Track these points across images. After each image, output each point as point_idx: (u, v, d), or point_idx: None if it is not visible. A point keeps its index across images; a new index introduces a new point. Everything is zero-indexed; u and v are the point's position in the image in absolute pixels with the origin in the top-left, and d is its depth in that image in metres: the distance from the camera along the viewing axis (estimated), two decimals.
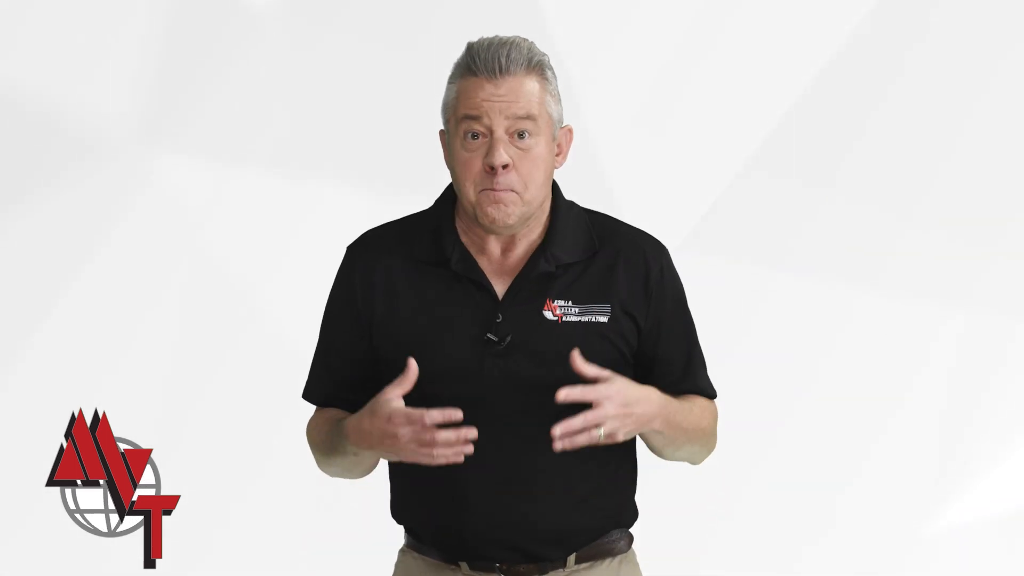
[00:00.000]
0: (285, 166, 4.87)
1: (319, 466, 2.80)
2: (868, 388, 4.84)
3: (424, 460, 2.53)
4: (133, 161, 4.84)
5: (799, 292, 4.85)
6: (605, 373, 2.55)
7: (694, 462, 2.81)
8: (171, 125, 4.86)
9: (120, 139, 4.85)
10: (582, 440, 2.52)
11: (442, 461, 2.52)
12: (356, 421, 2.61)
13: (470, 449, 2.51)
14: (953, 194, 4.85)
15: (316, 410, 2.81)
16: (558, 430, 2.50)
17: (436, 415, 2.50)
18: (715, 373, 2.80)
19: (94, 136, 4.84)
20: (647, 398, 2.58)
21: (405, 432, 2.52)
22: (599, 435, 2.52)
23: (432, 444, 2.51)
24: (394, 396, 2.54)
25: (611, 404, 2.53)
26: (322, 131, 4.86)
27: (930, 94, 4.84)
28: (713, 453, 2.82)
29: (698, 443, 2.75)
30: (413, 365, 2.55)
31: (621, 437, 2.56)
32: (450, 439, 2.50)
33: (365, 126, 4.83)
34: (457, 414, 2.51)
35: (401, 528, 2.81)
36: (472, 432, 2.50)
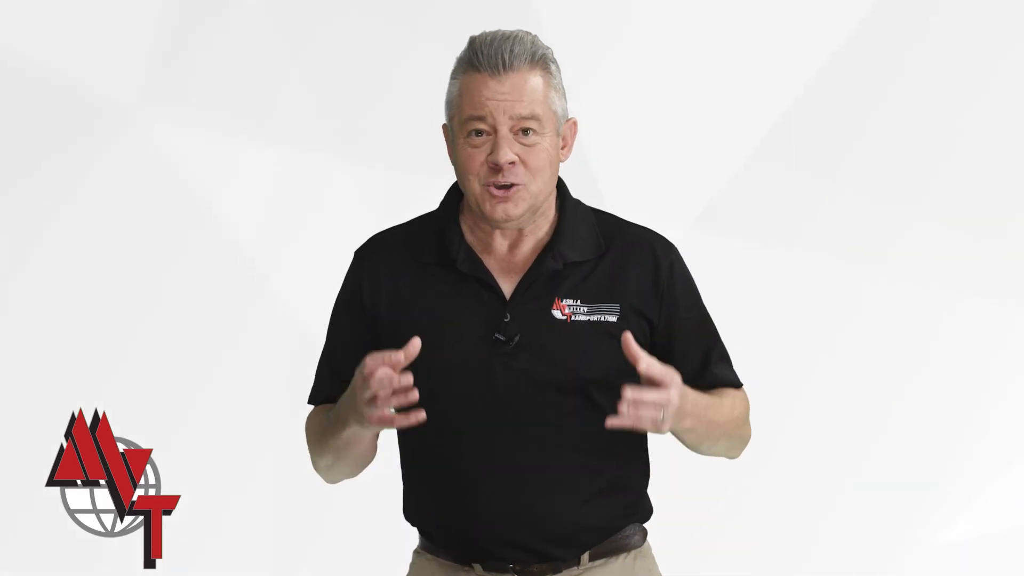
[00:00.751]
0: (296, 143, 4.87)
1: (313, 464, 2.79)
2: (875, 382, 4.84)
3: (371, 412, 2.50)
4: (138, 145, 4.83)
5: (801, 286, 4.85)
6: (656, 362, 2.52)
7: (731, 456, 2.80)
8: (177, 100, 4.85)
9: (124, 118, 4.84)
10: (648, 413, 2.49)
11: (383, 412, 2.48)
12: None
13: (418, 414, 2.48)
14: (961, 186, 4.85)
15: (315, 408, 2.81)
16: (629, 393, 2.47)
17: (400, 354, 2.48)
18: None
19: (95, 115, 4.84)
20: (685, 394, 2.56)
21: (370, 366, 2.49)
22: (661, 417, 2.50)
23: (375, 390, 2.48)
24: (384, 354, 2.51)
25: (675, 390, 2.51)
26: (337, 104, 4.85)
27: (935, 84, 4.84)
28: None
29: (734, 436, 2.73)
30: (416, 342, 2.50)
31: (666, 429, 2.55)
32: (383, 380, 2.46)
33: (382, 100, 4.82)
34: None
35: (415, 529, 2.80)
36: (407, 378, 2.46)
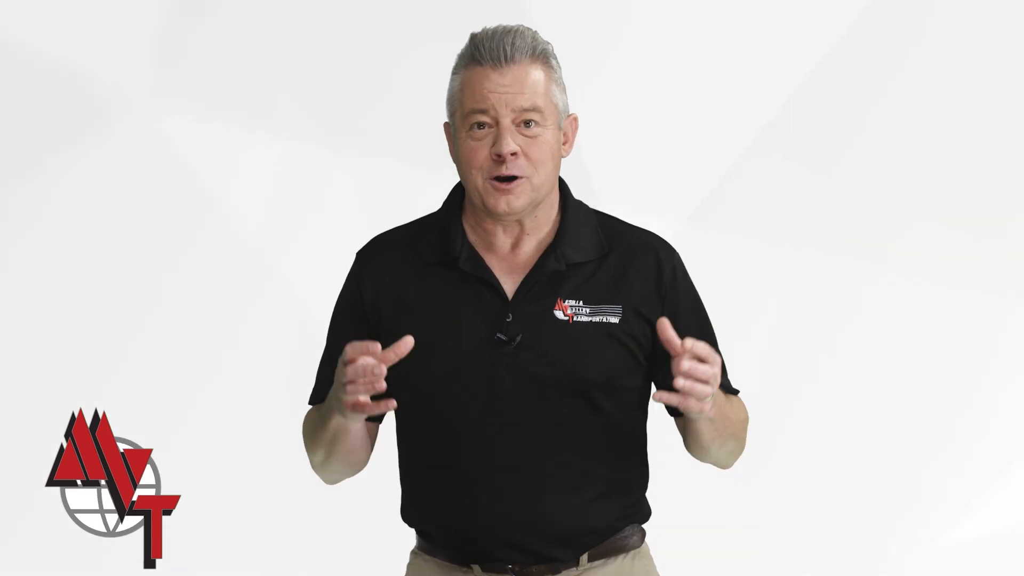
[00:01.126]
0: (302, 137, 4.86)
1: (310, 463, 2.78)
2: (874, 380, 4.83)
3: (347, 397, 2.51)
4: (138, 144, 4.82)
5: (798, 282, 4.84)
6: (699, 341, 2.50)
7: (728, 463, 2.78)
8: (183, 93, 4.85)
9: (126, 111, 4.84)
10: (702, 388, 2.47)
11: (356, 398, 2.49)
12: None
13: (388, 402, 2.50)
14: (960, 183, 4.84)
15: (311, 408, 2.80)
16: (686, 365, 2.45)
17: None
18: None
19: (96, 114, 4.83)
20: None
21: (351, 354, 2.50)
22: (710, 392, 2.49)
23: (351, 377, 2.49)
24: (369, 344, 2.52)
25: (718, 369, 2.50)
26: (345, 95, 4.84)
27: (934, 79, 4.83)
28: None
29: (739, 438, 2.73)
30: (408, 341, 2.52)
31: (709, 407, 2.52)
32: (360, 368, 2.47)
33: (389, 92, 4.81)
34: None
35: (412, 530, 2.80)
36: (381, 368, 2.47)
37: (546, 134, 2.62)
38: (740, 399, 2.77)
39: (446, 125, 2.70)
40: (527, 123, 2.61)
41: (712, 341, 2.75)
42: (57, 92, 4.81)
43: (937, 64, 4.82)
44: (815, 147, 4.84)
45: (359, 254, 2.77)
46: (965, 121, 4.82)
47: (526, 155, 2.61)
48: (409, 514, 2.77)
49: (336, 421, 2.60)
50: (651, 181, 4.82)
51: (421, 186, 4.57)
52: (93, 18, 4.80)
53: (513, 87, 2.59)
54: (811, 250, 4.84)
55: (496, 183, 2.61)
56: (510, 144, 2.59)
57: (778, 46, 4.82)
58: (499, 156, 2.59)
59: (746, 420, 2.76)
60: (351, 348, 2.50)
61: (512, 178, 2.61)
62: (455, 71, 2.65)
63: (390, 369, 2.68)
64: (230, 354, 4.80)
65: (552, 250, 2.67)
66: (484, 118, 2.61)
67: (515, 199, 2.61)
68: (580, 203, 2.74)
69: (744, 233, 4.83)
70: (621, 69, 4.81)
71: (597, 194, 4.38)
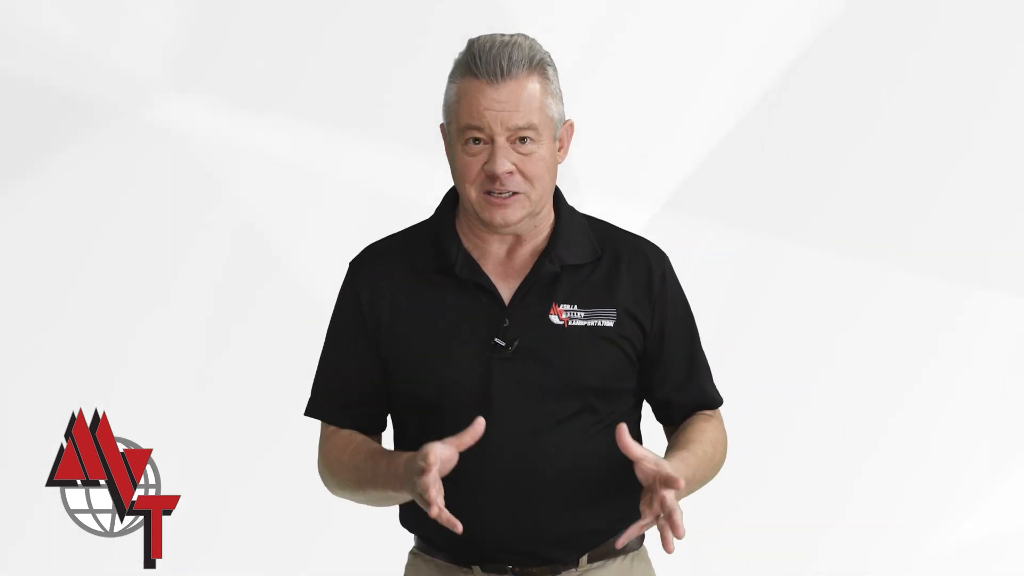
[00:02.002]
0: (309, 133, 4.86)
1: (335, 491, 2.77)
2: (872, 377, 4.83)
3: (428, 507, 2.50)
4: (139, 144, 4.82)
5: (777, 272, 4.84)
6: (651, 455, 2.54)
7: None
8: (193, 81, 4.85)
9: (127, 106, 4.84)
10: (677, 518, 2.51)
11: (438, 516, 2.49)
12: (402, 459, 2.58)
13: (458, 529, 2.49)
14: (949, 176, 4.84)
15: (333, 434, 2.77)
16: (681, 531, 2.49)
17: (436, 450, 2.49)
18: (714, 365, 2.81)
19: (90, 116, 4.83)
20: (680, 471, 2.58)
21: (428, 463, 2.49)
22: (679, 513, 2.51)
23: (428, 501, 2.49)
24: (446, 445, 2.51)
25: (681, 486, 2.52)
26: (353, 83, 4.84)
27: (914, 68, 4.83)
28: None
29: (712, 476, 2.76)
30: (480, 422, 2.51)
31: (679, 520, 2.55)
32: (430, 504, 2.47)
33: (398, 81, 4.81)
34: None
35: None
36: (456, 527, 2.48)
37: (541, 150, 2.62)
38: (718, 424, 2.78)
39: (442, 127, 2.70)
40: (522, 139, 2.61)
41: (697, 344, 2.78)
42: (58, 88, 4.80)
43: (922, 55, 4.82)
44: (793, 136, 4.83)
45: (352, 264, 2.77)
46: (945, 110, 4.81)
47: (521, 172, 2.61)
48: (408, 520, 2.78)
49: (402, 496, 2.59)
50: (628, 167, 4.81)
51: (428, 179, 4.56)
52: (100, 10, 4.80)
53: (509, 104, 2.59)
54: (790, 240, 4.83)
55: (490, 197, 2.61)
56: (504, 164, 2.60)
57: (761, 34, 4.81)
58: (492, 174, 2.60)
59: (722, 455, 2.77)
60: (432, 455, 2.47)
61: (507, 192, 2.61)
62: (451, 79, 2.65)
63: (393, 378, 2.68)
64: (230, 354, 4.80)
65: (547, 253, 2.68)
66: (479, 134, 2.61)
67: (511, 212, 2.62)
68: (572, 209, 2.76)
69: (720, 220, 4.83)
70: (599, 56, 4.79)
71: (580, 182, 4.39)
